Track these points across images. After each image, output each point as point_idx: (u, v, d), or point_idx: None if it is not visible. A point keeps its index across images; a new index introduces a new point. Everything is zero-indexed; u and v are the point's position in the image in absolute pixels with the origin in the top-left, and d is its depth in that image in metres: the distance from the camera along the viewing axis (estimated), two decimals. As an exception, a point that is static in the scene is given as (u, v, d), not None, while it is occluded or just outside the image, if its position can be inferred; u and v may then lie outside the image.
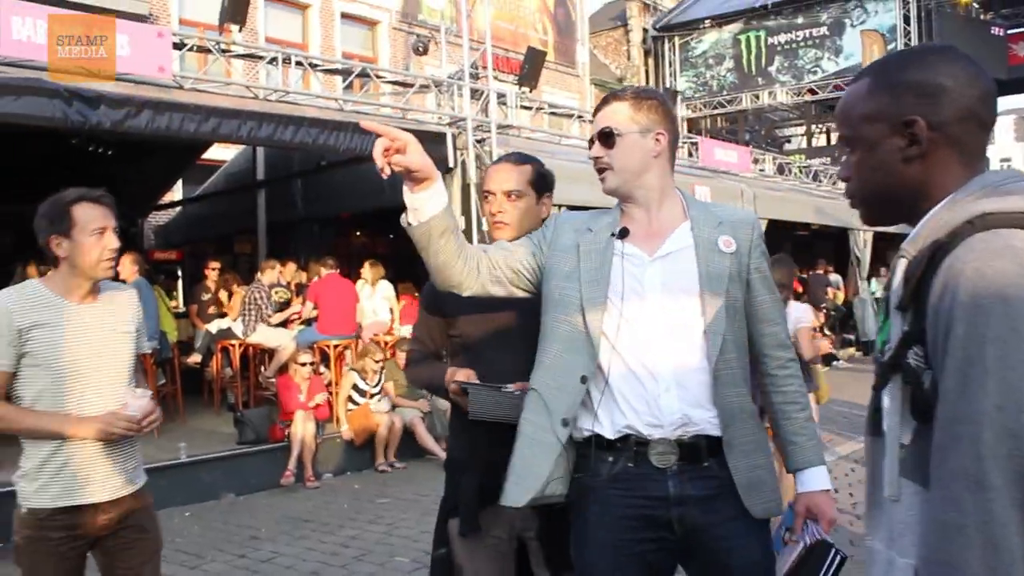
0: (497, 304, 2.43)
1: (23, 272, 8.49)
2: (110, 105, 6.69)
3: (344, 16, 19.44)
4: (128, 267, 8.26)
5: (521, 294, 2.31)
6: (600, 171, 2.27)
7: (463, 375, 2.53)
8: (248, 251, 14.30)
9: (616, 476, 2.17)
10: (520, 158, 2.76)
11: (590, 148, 2.29)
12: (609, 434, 2.17)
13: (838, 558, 2.17)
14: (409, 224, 2.10)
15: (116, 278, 9.08)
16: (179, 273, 14.06)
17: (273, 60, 8.69)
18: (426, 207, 2.08)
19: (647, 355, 2.15)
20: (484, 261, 2.25)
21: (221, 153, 14.05)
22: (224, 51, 8.23)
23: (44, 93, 6.42)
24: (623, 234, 2.24)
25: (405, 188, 2.09)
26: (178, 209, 15.11)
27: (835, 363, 15.06)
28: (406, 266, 10.34)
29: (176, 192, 15.18)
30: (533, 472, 2.20)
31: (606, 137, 2.24)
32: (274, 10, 18.25)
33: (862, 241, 16.38)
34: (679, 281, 2.20)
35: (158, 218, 15.47)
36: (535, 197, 2.69)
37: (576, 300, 2.21)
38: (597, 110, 2.31)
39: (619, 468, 2.17)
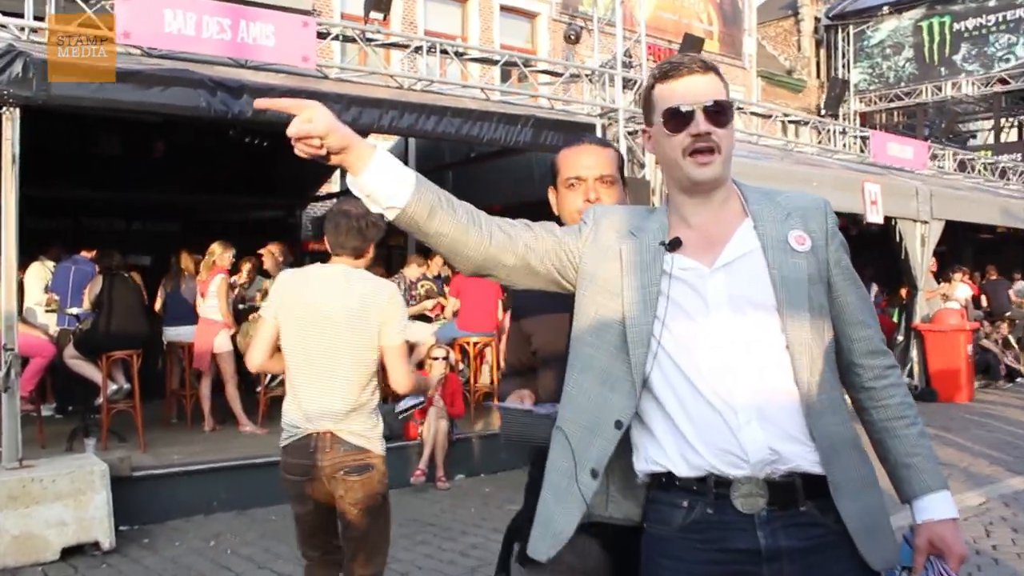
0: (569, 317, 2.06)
1: (177, 260, 8.69)
2: (252, 95, 6.69)
3: (503, 8, 19.37)
4: (270, 258, 8.35)
5: (566, 288, 1.93)
6: (703, 151, 1.81)
7: (516, 397, 2.20)
8: (401, 243, 14.41)
9: (692, 525, 1.76)
10: (601, 141, 2.43)
11: (680, 122, 1.81)
12: (684, 472, 1.77)
13: None
14: (383, 216, 1.78)
15: (261, 268, 9.14)
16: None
17: (418, 49, 8.56)
18: (382, 191, 1.74)
19: (720, 382, 1.74)
20: (524, 237, 1.88)
21: (378, 145, 14.17)
22: (369, 40, 8.14)
23: (189, 84, 6.51)
24: (674, 245, 1.83)
25: (348, 175, 1.75)
26: (334, 200, 15.38)
27: (1019, 380, 13.73)
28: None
29: (333, 184, 15.47)
30: (555, 527, 1.85)
31: (720, 114, 1.82)
32: (433, 3, 18.37)
33: (1057, 245, 14.88)
34: (749, 292, 1.79)
35: (315, 209, 15.80)
36: (623, 187, 2.34)
37: (617, 325, 1.82)
38: (686, 72, 1.84)
39: (696, 515, 1.76)
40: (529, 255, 1.87)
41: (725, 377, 1.74)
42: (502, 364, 8.96)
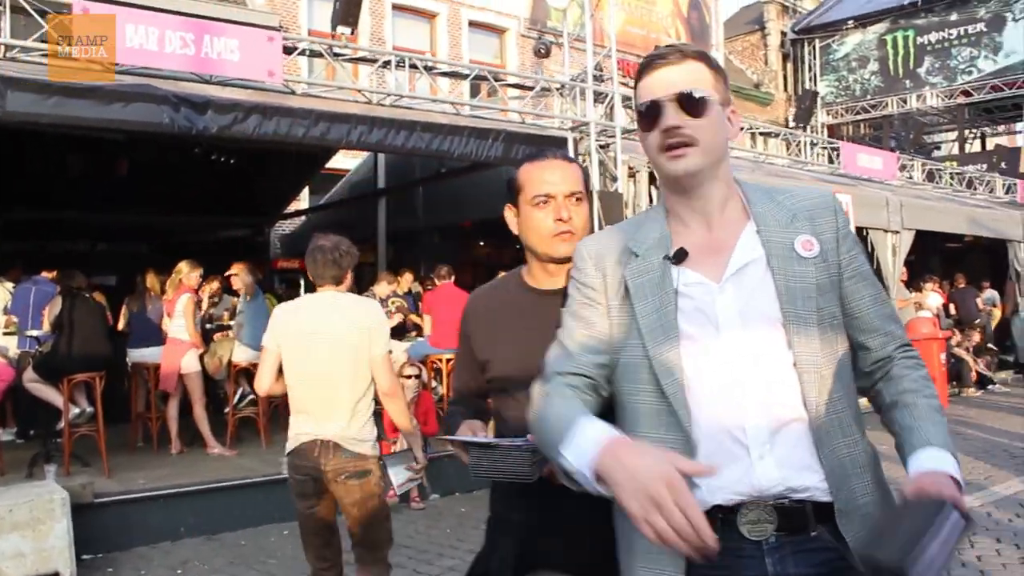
0: (535, 342, 1.89)
1: (143, 279, 8.50)
2: (217, 110, 6.57)
3: (472, 24, 19.35)
4: (238, 278, 8.20)
5: None
6: (677, 147, 1.67)
7: (467, 429, 2.07)
8: (371, 261, 14.28)
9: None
10: (565, 155, 2.26)
11: (650, 119, 1.69)
12: None
13: (963, 523, 1.43)
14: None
15: (229, 287, 8.95)
16: (301, 282, 14.11)
17: (387, 63, 8.45)
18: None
19: (728, 411, 1.61)
20: (593, 373, 1.71)
21: (346, 162, 14.06)
22: (336, 55, 8.03)
23: (152, 99, 6.35)
24: (680, 257, 1.68)
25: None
26: (303, 218, 15.21)
27: (991, 387, 13.80)
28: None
29: (302, 201, 15.32)
30: None
31: (692, 102, 1.67)
32: (402, 19, 18.31)
33: (1023, 253, 14.99)
34: (755, 305, 1.64)
35: (284, 227, 15.63)
36: (589, 203, 2.20)
37: (643, 362, 1.67)
38: (660, 65, 1.71)
39: None
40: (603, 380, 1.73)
41: (734, 407, 1.61)
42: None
